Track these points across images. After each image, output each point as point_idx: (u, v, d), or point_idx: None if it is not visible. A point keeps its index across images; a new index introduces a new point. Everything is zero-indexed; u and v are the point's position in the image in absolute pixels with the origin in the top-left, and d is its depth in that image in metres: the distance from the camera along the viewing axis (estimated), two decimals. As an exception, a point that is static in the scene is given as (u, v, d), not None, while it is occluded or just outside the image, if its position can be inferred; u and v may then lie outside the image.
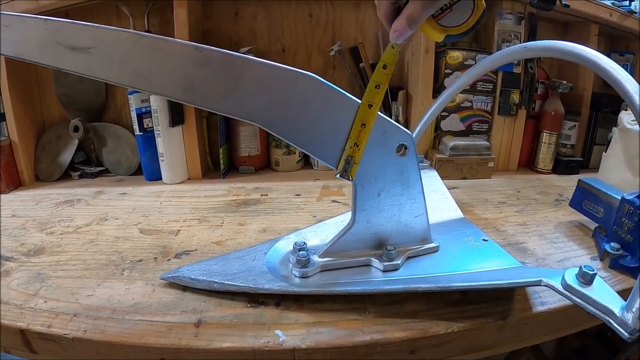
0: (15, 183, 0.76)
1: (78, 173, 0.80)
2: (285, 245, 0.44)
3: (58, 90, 0.79)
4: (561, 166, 0.80)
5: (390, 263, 0.40)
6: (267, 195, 0.66)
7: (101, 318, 0.37)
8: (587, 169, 0.84)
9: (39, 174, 0.79)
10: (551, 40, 0.42)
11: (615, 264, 0.44)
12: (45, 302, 0.40)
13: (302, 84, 0.34)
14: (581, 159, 0.82)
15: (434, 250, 0.44)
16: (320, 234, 0.46)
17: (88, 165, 0.83)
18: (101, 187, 0.74)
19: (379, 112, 0.36)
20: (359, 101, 0.36)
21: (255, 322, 0.35)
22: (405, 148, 0.38)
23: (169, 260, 0.47)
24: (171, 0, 0.68)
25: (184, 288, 0.40)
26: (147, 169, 0.76)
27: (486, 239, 0.47)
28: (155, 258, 0.47)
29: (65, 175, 0.80)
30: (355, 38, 0.78)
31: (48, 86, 0.80)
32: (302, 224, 0.54)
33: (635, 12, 0.77)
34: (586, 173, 0.82)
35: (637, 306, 0.28)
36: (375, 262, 0.40)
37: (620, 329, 0.29)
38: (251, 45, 0.75)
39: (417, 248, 0.43)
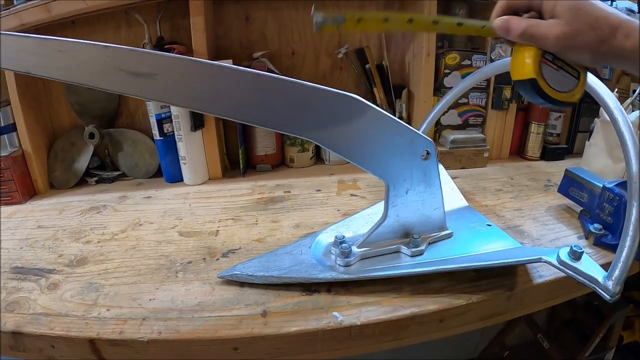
0: (30, 193, 0.78)
1: (95, 178, 0.83)
2: (324, 239, 0.51)
3: (70, 98, 0.81)
4: (548, 153, 0.90)
5: (417, 249, 0.48)
6: (289, 192, 0.73)
7: (171, 319, 0.41)
8: (571, 154, 0.94)
9: (54, 182, 0.82)
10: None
11: (598, 242, 0.54)
12: (107, 310, 0.42)
13: (346, 104, 0.40)
14: (566, 146, 0.92)
15: (449, 236, 0.52)
16: (352, 227, 0.54)
17: (103, 170, 0.85)
18: (122, 191, 0.77)
19: (407, 125, 0.44)
20: (399, 120, 0.42)
21: (313, 308, 0.42)
22: (428, 153, 0.46)
23: (217, 260, 0.52)
24: (184, 7, 0.71)
25: (241, 284, 0.46)
26: (168, 172, 0.81)
27: (490, 224, 0.56)
28: (204, 259, 0.52)
29: (80, 182, 0.82)
30: (360, 41, 0.85)
31: (56, 94, 0.82)
32: (329, 218, 0.61)
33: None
34: (570, 158, 0.92)
35: (616, 275, 0.38)
36: (404, 249, 0.49)
37: (604, 293, 0.38)
38: (262, 48, 0.81)
39: (435, 235, 0.51)
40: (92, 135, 0.82)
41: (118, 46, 0.35)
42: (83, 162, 0.83)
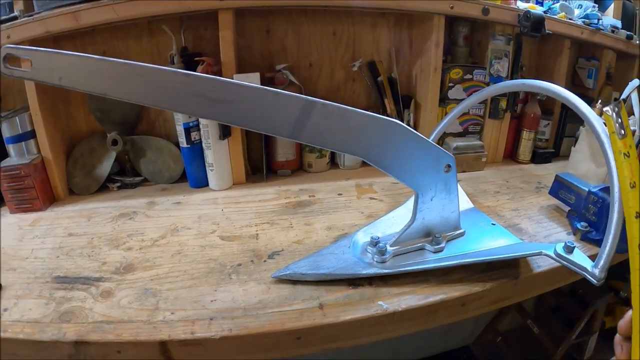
0: (51, 199, 0.81)
1: (117, 184, 0.87)
2: (359, 239, 0.61)
3: (92, 105, 0.86)
4: (538, 157, 1.03)
5: (439, 246, 0.59)
6: (314, 196, 0.82)
7: (238, 317, 0.45)
8: (558, 157, 1.07)
9: (74, 188, 0.86)
10: (543, 82, 0.62)
11: (584, 237, 0.67)
12: (172, 313, 0.45)
13: (391, 128, 0.49)
14: (553, 150, 1.06)
15: (462, 234, 0.63)
16: (380, 228, 0.64)
17: (123, 175, 0.90)
18: (149, 197, 0.81)
19: (434, 144, 0.54)
20: (429, 140, 0.52)
21: (361, 299, 0.51)
22: (449, 167, 0.57)
23: (265, 261, 0.58)
24: (206, 18, 0.78)
25: (293, 282, 0.52)
26: (193, 177, 0.88)
27: (494, 223, 0.68)
28: (252, 261, 0.58)
29: (99, 188, 0.85)
30: (372, 54, 0.95)
31: (74, 100, 0.86)
32: (356, 220, 0.71)
33: (602, 29, 0.99)
34: (557, 161, 1.05)
35: (601, 264, 0.49)
36: (428, 247, 0.59)
37: (592, 279, 0.49)
38: (282, 60, 0.89)
39: (452, 234, 0.62)
40: (115, 142, 0.86)
41: (201, 75, 0.40)
42: (105, 168, 0.88)
